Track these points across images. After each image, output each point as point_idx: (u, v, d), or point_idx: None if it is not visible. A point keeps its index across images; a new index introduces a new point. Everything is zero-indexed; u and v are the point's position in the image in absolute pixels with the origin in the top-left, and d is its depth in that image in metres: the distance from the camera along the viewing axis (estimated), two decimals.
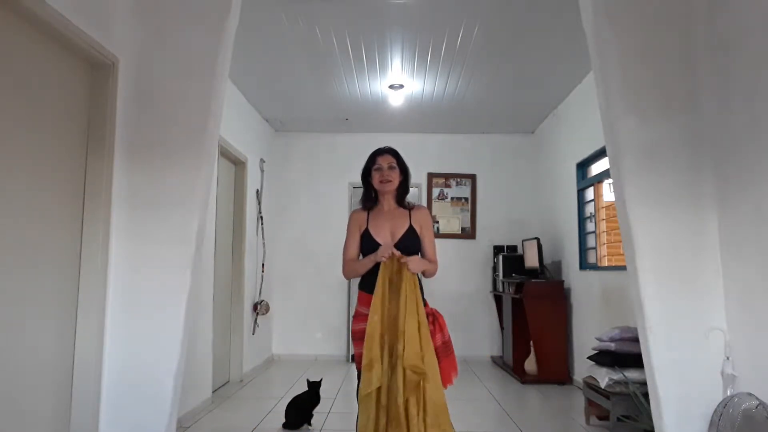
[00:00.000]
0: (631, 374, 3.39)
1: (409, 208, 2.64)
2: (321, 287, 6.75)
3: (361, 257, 2.61)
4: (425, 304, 2.53)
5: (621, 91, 2.75)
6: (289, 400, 3.91)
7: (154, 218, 2.76)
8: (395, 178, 2.59)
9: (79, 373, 2.60)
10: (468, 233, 6.88)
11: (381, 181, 2.57)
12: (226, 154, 5.09)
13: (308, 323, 6.80)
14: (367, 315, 2.48)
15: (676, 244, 2.67)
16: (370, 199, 2.65)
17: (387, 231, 2.55)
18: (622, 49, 2.77)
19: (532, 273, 5.78)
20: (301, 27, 4.08)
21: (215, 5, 2.90)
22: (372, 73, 4.97)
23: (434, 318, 2.49)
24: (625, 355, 3.53)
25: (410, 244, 2.55)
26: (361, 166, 2.67)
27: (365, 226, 2.58)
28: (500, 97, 5.65)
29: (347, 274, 2.64)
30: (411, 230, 2.56)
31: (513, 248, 6.50)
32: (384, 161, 2.59)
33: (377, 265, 2.52)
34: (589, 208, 5.23)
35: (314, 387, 3.88)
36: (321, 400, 3.95)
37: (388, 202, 2.62)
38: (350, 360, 6.52)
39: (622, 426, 3.36)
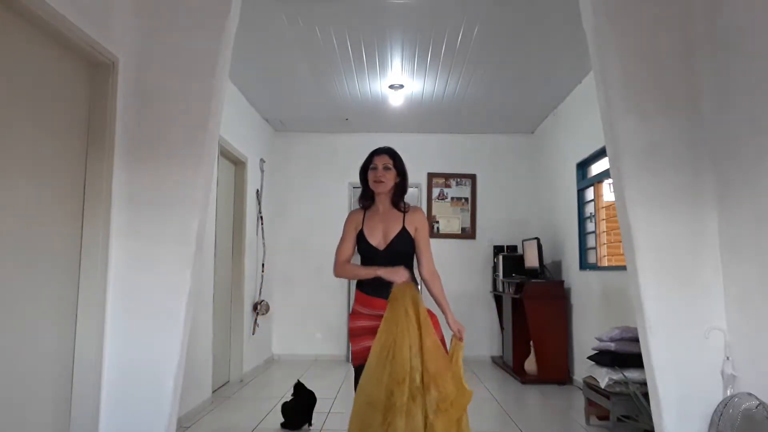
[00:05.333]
0: (631, 374, 3.39)
1: (405, 210, 2.60)
2: (321, 287, 6.75)
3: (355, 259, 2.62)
4: None
5: (621, 91, 2.75)
6: (288, 399, 3.91)
7: (154, 218, 2.76)
8: (389, 179, 2.56)
9: (79, 373, 2.60)
10: (468, 233, 6.88)
11: (374, 181, 2.55)
12: (226, 154, 5.09)
13: (308, 323, 6.80)
14: (364, 314, 2.49)
15: (676, 244, 2.67)
16: (366, 197, 2.64)
17: (380, 232, 2.54)
18: (622, 49, 2.77)
19: (532, 273, 5.78)
20: (301, 27, 4.08)
21: (215, 5, 2.90)
22: (372, 73, 4.97)
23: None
24: (625, 355, 3.53)
25: (401, 246, 2.53)
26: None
27: (360, 227, 2.58)
28: (500, 97, 5.64)
29: (337, 274, 2.62)
30: (404, 232, 2.53)
31: (513, 248, 6.50)
32: (380, 161, 2.57)
33: (371, 264, 2.52)
34: (589, 208, 5.23)
35: (301, 388, 3.88)
36: (319, 400, 3.95)
37: (383, 202, 2.61)
38: (349, 359, 6.52)
39: (622, 426, 3.36)
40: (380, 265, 2.49)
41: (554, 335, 5.40)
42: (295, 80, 5.18)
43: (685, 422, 2.55)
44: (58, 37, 2.42)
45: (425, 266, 2.58)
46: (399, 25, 4.07)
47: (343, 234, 2.63)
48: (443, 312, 2.54)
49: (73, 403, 2.58)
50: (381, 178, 2.55)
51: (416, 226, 2.56)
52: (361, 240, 2.55)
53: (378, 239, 2.53)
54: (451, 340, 2.46)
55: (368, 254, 2.54)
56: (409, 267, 2.58)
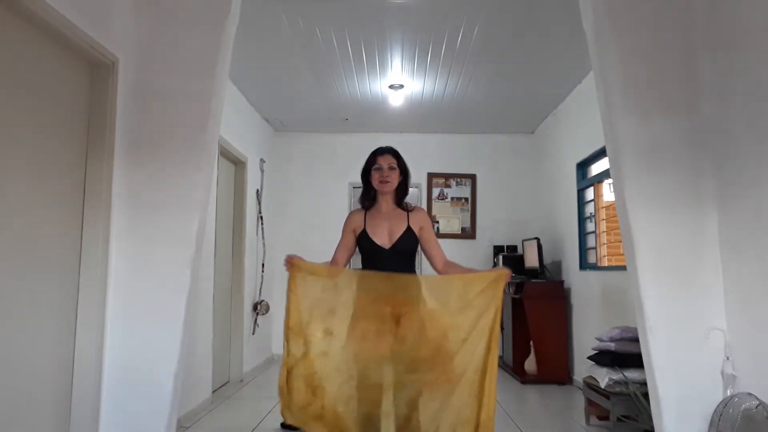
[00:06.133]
0: (631, 374, 3.39)
1: (408, 209, 2.63)
2: None
3: (353, 259, 2.63)
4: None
5: (621, 91, 2.75)
6: None
7: (154, 218, 2.76)
8: (394, 178, 2.58)
9: (79, 373, 2.60)
10: (468, 233, 6.88)
11: (380, 181, 2.57)
12: (226, 154, 5.08)
13: None
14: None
15: (676, 244, 2.67)
16: (368, 198, 2.65)
17: (385, 231, 2.55)
18: (622, 49, 2.77)
19: (532, 273, 5.78)
20: (301, 27, 4.08)
21: (215, 5, 2.90)
22: (372, 73, 4.97)
23: None
24: (625, 355, 3.53)
25: (407, 245, 2.54)
26: (361, 166, 2.67)
27: (363, 227, 2.58)
28: (500, 97, 5.64)
29: None
30: (409, 231, 2.55)
31: (513, 248, 6.49)
32: (384, 161, 2.58)
33: (374, 263, 2.53)
34: (589, 208, 5.22)
35: None
36: None
37: (386, 202, 2.62)
38: None
39: (622, 426, 3.36)
40: (385, 263, 2.51)
41: (554, 335, 5.40)
42: (295, 80, 5.17)
43: (685, 422, 2.55)
44: (58, 37, 2.43)
45: (440, 259, 2.61)
46: (399, 25, 4.07)
47: (341, 235, 2.64)
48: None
49: (73, 403, 2.58)
50: (387, 178, 2.56)
51: (421, 225, 2.59)
52: (364, 240, 2.56)
53: (383, 238, 2.54)
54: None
55: (372, 253, 2.55)
56: (412, 265, 2.60)
